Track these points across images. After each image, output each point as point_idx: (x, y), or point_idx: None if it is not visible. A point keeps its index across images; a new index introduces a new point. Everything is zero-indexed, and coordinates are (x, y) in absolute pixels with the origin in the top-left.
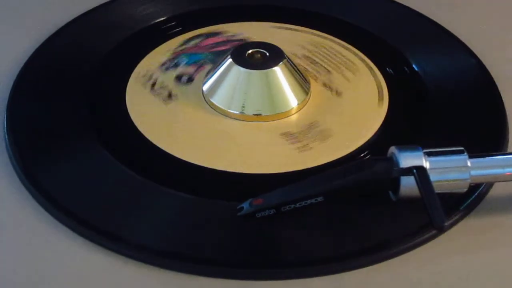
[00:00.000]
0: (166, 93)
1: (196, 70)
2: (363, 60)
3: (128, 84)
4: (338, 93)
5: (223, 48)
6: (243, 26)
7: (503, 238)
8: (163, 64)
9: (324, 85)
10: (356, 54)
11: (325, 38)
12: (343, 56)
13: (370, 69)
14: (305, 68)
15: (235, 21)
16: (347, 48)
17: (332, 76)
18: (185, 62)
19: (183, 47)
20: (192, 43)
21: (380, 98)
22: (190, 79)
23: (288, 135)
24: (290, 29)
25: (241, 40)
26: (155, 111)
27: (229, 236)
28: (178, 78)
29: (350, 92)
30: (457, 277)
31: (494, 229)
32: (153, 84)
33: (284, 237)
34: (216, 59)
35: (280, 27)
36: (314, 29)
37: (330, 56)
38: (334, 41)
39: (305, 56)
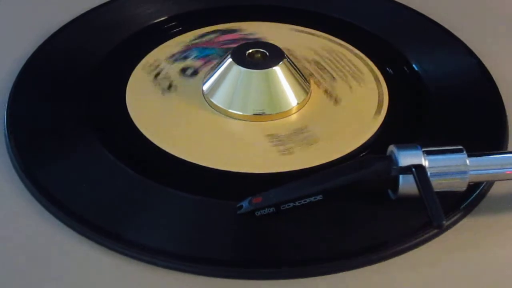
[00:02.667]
0: (167, 83)
1: (203, 65)
2: (371, 70)
3: (131, 76)
4: (336, 101)
5: (236, 45)
6: (261, 26)
7: (504, 237)
8: (172, 56)
9: (325, 91)
10: (366, 64)
11: (340, 45)
12: (353, 65)
13: (377, 80)
14: (311, 72)
15: (254, 20)
16: (359, 57)
17: (336, 84)
18: (194, 55)
19: (197, 40)
20: (207, 37)
21: (378, 111)
22: (195, 73)
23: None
24: (308, 33)
25: (256, 39)
26: (152, 101)
27: (228, 235)
28: (183, 70)
29: (348, 102)
30: (458, 277)
31: (495, 228)
32: (157, 74)
33: (283, 236)
34: None
35: (298, 30)
36: (332, 35)
37: (339, 64)
38: (348, 49)
39: (315, 61)
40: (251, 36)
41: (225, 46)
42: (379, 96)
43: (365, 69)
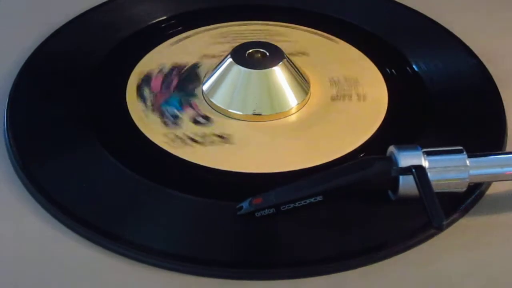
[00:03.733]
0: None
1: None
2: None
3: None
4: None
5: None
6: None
7: (502, 236)
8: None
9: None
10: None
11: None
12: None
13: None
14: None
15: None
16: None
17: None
18: None
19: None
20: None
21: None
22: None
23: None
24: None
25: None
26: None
27: (228, 236)
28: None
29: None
30: (457, 276)
31: (493, 228)
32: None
33: (283, 237)
34: None
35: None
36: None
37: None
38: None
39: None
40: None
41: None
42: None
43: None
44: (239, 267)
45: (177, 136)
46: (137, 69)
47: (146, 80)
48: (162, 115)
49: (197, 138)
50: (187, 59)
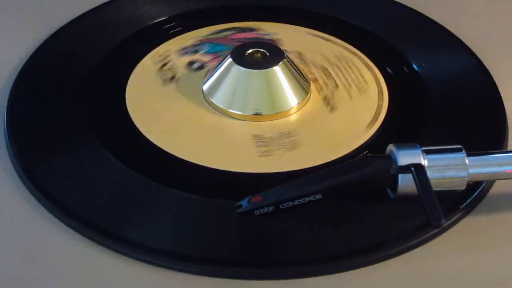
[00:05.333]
0: (170, 75)
1: (211, 60)
2: (371, 70)
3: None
4: (332, 109)
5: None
6: (279, 27)
7: (504, 236)
8: (183, 48)
9: (324, 98)
10: (366, 64)
11: (340, 45)
12: (361, 75)
13: (377, 79)
14: (315, 78)
15: (274, 21)
16: (359, 57)
17: (337, 91)
18: (205, 50)
19: (212, 36)
20: (223, 34)
21: (378, 111)
22: (201, 67)
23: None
24: (324, 38)
25: (270, 40)
26: (153, 101)
27: (227, 234)
28: (190, 63)
29: (349, 100)
30: (459, 276)
31: (496, 227)
32: (164, 65)
33: (283, 235)
34: None
35: (315, 35)
36: (331, 35)
37: (347, 72)
38: (348, 48)
39: (323, 67)
40: (267, 37)
41: (238, 44)
42: (379, 96)
43: (364, 69)
44: (238, 266)
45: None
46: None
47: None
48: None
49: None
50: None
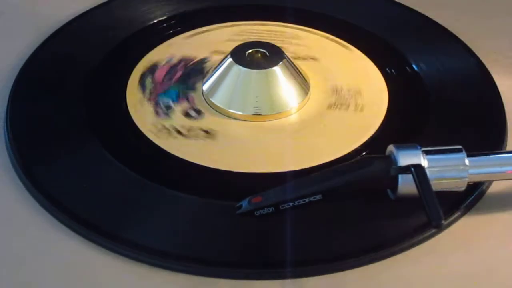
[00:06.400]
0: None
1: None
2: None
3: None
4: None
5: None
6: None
7: (503, 236)
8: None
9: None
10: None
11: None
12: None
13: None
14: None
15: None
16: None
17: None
18: None
19: None
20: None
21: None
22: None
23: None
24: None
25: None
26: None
27: (227, 235)
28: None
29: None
30: (458, 275)
31: (494, 227)
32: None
33: (283, 236)
34: None
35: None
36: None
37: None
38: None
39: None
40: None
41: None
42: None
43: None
44: (238, 266)
45: (164, 126)
46: (136, 69)
47: (151, 69)
48: (156, 104)
49: (183, 131)
50: (196, 54)
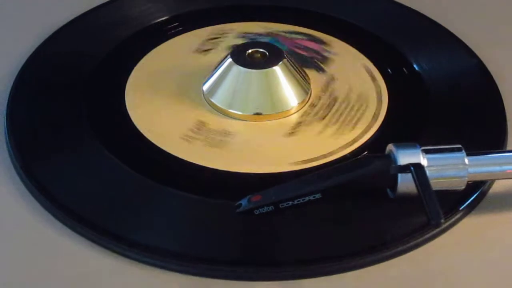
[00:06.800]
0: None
1: None
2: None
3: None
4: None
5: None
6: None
7: (505, 236)
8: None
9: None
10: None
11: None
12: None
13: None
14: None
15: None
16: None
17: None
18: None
19: (281, 31)
20: (291, 35)
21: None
22: None
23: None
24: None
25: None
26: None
27: (227, 234)
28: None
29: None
30: (460, 276)
31: (496, 227)
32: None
33: (282, 235)
34: None
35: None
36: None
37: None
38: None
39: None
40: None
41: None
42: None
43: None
44: (238, 266)
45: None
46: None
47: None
48: None
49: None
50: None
